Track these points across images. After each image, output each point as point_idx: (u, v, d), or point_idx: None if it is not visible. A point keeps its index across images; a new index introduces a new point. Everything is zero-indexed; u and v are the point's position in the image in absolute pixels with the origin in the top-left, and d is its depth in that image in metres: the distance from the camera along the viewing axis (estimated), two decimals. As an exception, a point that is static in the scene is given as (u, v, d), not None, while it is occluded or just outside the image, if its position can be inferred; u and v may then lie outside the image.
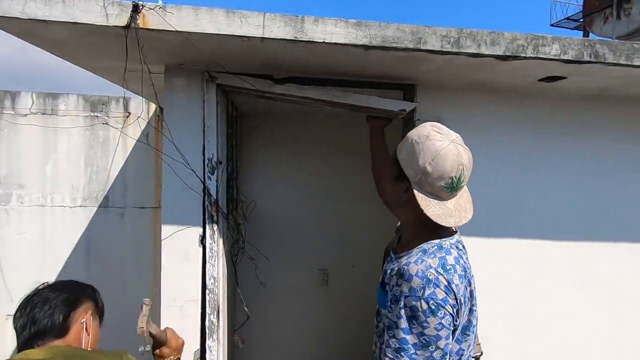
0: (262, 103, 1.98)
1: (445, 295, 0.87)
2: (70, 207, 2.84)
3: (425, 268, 0.88)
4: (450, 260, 0.91)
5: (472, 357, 1.04)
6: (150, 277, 2.77)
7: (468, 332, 0.95)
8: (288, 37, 1.24)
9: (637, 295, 1.89)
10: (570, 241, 1.84)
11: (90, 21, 1.16)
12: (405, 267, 0.90)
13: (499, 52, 1.33)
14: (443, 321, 0.87)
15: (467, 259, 0.98)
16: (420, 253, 0.92)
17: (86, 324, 1.01)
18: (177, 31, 1.19)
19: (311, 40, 1.25)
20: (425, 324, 0.86)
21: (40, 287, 1.02)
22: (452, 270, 0.90)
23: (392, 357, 0.89)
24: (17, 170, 2.77)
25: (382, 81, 1.77)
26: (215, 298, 1.69)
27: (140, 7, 1.15)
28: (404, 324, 0.87)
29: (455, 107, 1.82)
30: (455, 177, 0.90)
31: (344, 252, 2.70)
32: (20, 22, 1.16)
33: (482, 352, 1.19)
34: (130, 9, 1.16)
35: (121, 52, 1.33)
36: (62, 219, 2.83)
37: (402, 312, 0.88)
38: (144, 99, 2.70)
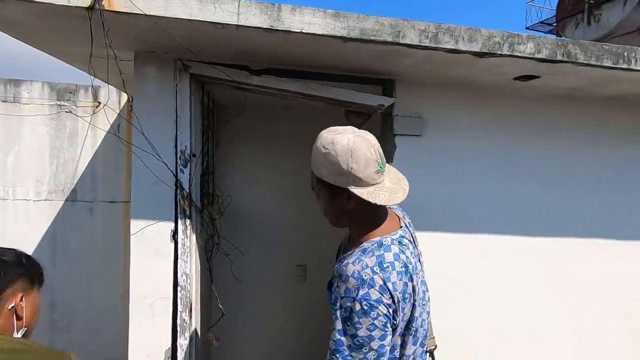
0: (239, 95, 1.92)
1: (380, 295, 0.86)
2: (35, 201, 2.69)
3: (361, 268, 0.88)
4: (389, 257, 0.91)
5: (424, 351, 1.04)
6: (121, 274, 2.67)
7: (411, 327, 0.95)
8: (264, 26, 1.19)
9: (597, 288, 1.97)
10: (539, 237, 1.89)
11: (51, 1, 1.08)
12: (344, 267, 0.90)
13: (476, 49, 1.33)
14: (376, 322, 0.86)
15: (411, 253, 0.96)
16: (360, 252, 0.92)
17: (16, 309, 0.87)
18: (146, 15, 1.13)
19: (288, 29, 1.21)
20: (357, 325, 0.86)
21: None
22: (390, 268, 0.89)
23: (328, 358, 0.89)
24: (-25, 161, 2.60)
25: (361, 75, 1.75)
26: (188, 295, 1.65)
27: (105, -13, 1.08)
28: (339, 325, 0.88)
29: (433, 104, 1.83)
30: (377, 157, 0.92)
31: (322, 247, 2.69)
32: (-29, -1, 1.07)
33: (436, 346, 1.19)
34: (94, -11, 1.08)
35: (86, 36, 1.25)
36: (25, 214, 2.68)
37: (339, 313, 0.88)
38: (115, 88, 2.58)
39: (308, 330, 2.66)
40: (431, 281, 1.83)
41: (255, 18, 1.19)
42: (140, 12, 1.13)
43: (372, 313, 0.85)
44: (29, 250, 2.87)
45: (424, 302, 0.99)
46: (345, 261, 0.92)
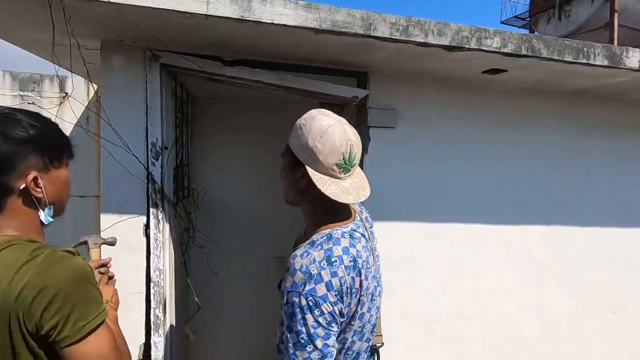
0: (213, 87, 1.89)
1: (326, 292, 0.84)
2: (-2, 197, 2.57)
3: (309, 262, 0.86)
4: (337, 251, 0.88)
5: (369, 346, 1.02)
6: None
7: (353, 322, 0.92)
8: (234, 16, 1.18)
9: (560, 271, 2.08)
10: (505, 225, 1.98)
11: (4, -16, 1.03)
12: (292, 260, 0.88)
13: (445, 43, 1.36)
14: (320, 319, 0.84)
15: (363, 247, 0.94)
16: (308, 246, 0.90)
17: (32, 189, 0.73)
18: (109, 2, 1.09)
19: (259, 20, 1.20)
20: (301, 322, 0.84)
21: None
22: (338, 262, 0.87)
23: (279, 351, 0.89)
24: None
25: (336, 68, 1.75)
26: (162, 291, 1.62)
27: (65, -28, 1.03)
28: (286, 320, 0.86)
29: (406, 95, 1.86)
30: (346, 152, 0.90)
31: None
32: None
33: (382, 343, 1.15)
34: (52, -27, 1.03)
35: (47, 23, 1.20)
36: (-12, 210, 2.56)
37: (285, 308, 0.86)
38: (84, 79, 2.48)
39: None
40: (401, 268, 1.89)
41: (225, 8, 1.17)
42: (105, -1, 1.09)
43: (317, 310, 0.83)
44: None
45: (373, 298, 0.97)
46: (294, 254, 0.89)
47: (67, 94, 2.61)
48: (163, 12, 1.15)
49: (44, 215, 0.80)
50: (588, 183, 2.09)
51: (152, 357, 1.58)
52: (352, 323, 0.92)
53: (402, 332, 1.88)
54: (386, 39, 1.32)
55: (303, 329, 0.84)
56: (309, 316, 0.83)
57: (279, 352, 1.01)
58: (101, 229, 1.60)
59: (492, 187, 1.97)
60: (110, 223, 1.58)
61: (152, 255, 1.59)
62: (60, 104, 2.58)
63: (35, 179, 0.75)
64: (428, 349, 1.93)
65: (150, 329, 1.58)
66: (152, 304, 1.58)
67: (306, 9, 1.23)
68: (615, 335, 2.17)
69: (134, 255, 1.60)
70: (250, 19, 1.19)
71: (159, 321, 1.60)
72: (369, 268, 0.94)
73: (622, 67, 1.55)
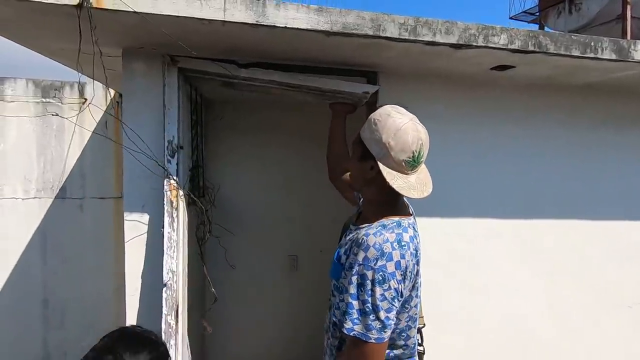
0: (227, 90, 1.96)
1: (395, 270, 0.92)
2: (23, 199, 2.68)
3: (382, 241, 0.94)
4: (406, 237, 0.97)
5: (414, 328, 1.11)
6: (112, 269, 2.70)
7: (407, 306, 1.02)
8: (249, 21, 1.24)
9: (573, 265, 2.09)
10: (517, 219, 2.00)
11: (38, -2, 1.10)
12: (365, 237, 0.95)
13: (453, 41, 1.40)
14: (386, 294, 0.92)
15: (419, 240, 1.04)
16: (380, 227, 0.97)
17: None
18: (135, 12, 1.16)
19: (273, 24, 1.25)
20: (370, 292, 0.91)
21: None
22: (406, 247, 0.96)
23: (339, 318, 0.96)
24: (-40, 160, 2.58)
25: (346, 68, 1.80)
26: (174, 295, 1.49)
27: (94, -15, 1.11)
28: (353, 289, 0.93)
29: (415, 93, 1.90)
30: (416, 150, 0.97)
31: (312, 238, 2.76)
32: (-42, -3, 1.09)
33: (424, 325, 1.28)
34: (82, -14, 1.11)
35: (73, 33, 1.27)
36: (14, 212, 2.67)
37: (354, 278, 0.93)
38: (102, 85, 2.57)
39: (299, 317, 2.74)
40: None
41: (241, 14, 1.23)
42: (129, 9, 1.16)
43: (385, 285, 0.91)
44: (19, 247, 2.87)
45: (418, 285, 1.06)
46: (365, 231, 0.97)
47: (86, 99, 2.71)
48: (183, 20, 1.22)
49: None
50: (601, 176, 2.09)
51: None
52: (407, 308, 1.01)
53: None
54: (395, 39, 1.36)
55: (369, 299, 0.91)
56: (377, 289, 0.91)
57: (328, 332, 1.08)
58: (125, 229, 1.67)
59: (503, 181, 1.99)
60: (131, 220, 1.65)
61: (165, 256, 1.50)
62: (80, 109, 2.68)
63: None
64: (440, 344, 1.96)
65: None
66: (164, 310, 1.45)
67: (318, 13, 1.28)
68: (630, 329, 2.17)
69: (153, 254, 1.65)
70: (265, 24, 1.25)
71: (170, 330, 1.46)
72: (420, 258, 1.03)
73: (630, 60, 1.57)
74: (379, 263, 0.92)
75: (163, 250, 1.51)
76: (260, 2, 1.24)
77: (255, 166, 2.73)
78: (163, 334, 1.44)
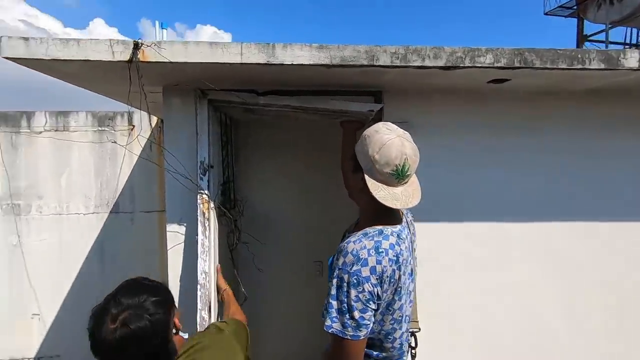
0: (249, 114, 2.23)
1: (369, 274, 1.00)
2: (84, 215, 3.13)
3: (360, 248, 1.03)
4: (385, 244, 1.04)
5: (408, 331, 1.19)
6: (158, 274, 3.05)
7: (390, 308, 1.08)
8: (262, 62, 1.49)
9: (590, 269, 2.12)
10: (531, 222, 2.08)
11: (99, 58, 1.43)
12: (346, 244, 1.06)
13: (441, 64, 1.57)
14: (360, 296, 1.00)
15: (405, 248, 1.09)
16: (361, 235, 1.06)
17: (178, 327, 0.95)
18: (171, 62, 1.45)
19: (281, 63, 1.50)
20: (345, 294, 1.01)
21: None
22: (384, 254, 1.02)
23: (323, 315, 1.08)
24: (35, 183, 3.07)
25: (352, 90, 2.02)
26: (207, 293, 1.73)
27: (140, 45, 1.41)
28: (333, 290, 1.04)
29: (419, 108, 2.06)
30: (399, 164, 1.04)
31: (333, 245, 2.94)
32: (43, 62, 1.43)
33: (419, 329, 1.32)
34: (132, 46, 1.42)
35: (125, 79, 1.60)
36: (77, 226, 3.12)
37: (334, 281, 1.04)
38: (146, 113, 2.97)
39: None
40: (424, 267, 2.05)
41: (254, 56, 1.49)
42: (167, 60, 1.45)
43: (359, 287, 1.00)
44: (82, 256, 3.31)
45: (408, 291, 1.13)
46: (348, 239, 1.08)
47: (134, 126, 3.13)
48: (210, 64, 1.50)
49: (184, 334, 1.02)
50: (607, 179, 2.12)
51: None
52: (391, 311, 1.08)
53: (429, 330, 2.03)
54: (388, 66, 1.56)
55: (345, 300, 1.01)
56: (352, 291, 1.00)
57: (322, 317, 1.22)
58: (167, 238, 1.97)
59: (510, 187, 2.08)
60: (172, 230, 1.95)
61: (199, 259, 1.75)
62: (129, 134, 3.10)
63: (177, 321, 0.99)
64: (454, 347, 2.07)
65: (197, 330, 1.71)
66: (199, 305, 1.69)
67: (319, 50, 1.51)
68: (653, 330, 2.14)
69: (195, 259, 1.93)
70: (275, 63, 1.50)
71: (204, 322, 1.69)
72: (407, 266, 1.10)
73: (620, 68, 1.65)
74: (354, 268, 1.01)
75: (197, 254, 1.76)
76: (270, 45, 1.49)
77: (280, 179, 2.98)
78: (198, 327, 1.66)
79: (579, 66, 1.62)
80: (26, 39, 1.40)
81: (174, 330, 0.94)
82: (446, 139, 2.07)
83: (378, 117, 2.05)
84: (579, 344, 2.11)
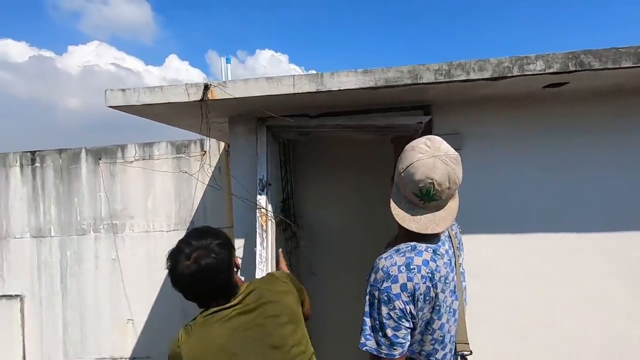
0: (304, 136, 2.41)
1: (400, 291, 0.96)
2: (166, 232, 3.56)
3: (390, 264, 0.99)
4: (417, 261, 0.99)
5: (454, 353, 1.09)
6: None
7: (429, 328, 1.02)
8: (312, 90, 1.65)
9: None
10: (594, 232, 1.92)
11: (178, 100, 1.70)
12: (377, 260, 1.03)
13: (487, 76, 1.57)
14: (391, 313, 0.96)
15: (444, 264, 1.03)
16: (393, 251, 1.02)
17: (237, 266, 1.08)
18: (235, 98, 1.67)
19: (329, 89, 1.64)
20: (377, 311, 0.98)
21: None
22: (416, 270, 0.98)
23: (360, 333, 1.04)
24: (128, 205, 3.58)
25: (400, 106, 2.08)
26: None
27: (209, 86, 1.66)
28: (366, 307, 1.01)
29: (469, 119, 2.05)
30: (423, 187, 0.97)
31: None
32: (135, 107, 1.75)
33: (471, 352, 1.16)
34: (202, 88, 1.67)
35: (198, 114, 1.87)
36: (161, 241, 3.55)
37: (367, 298, 1.01)
38: (215, 140, 3.32)
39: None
40: (481, 279, 1.98)
41: (305, 86, 1.65)
42: (232, 97, 1.68)
43: (390, 304, 0.96)
44: (165, 270, 3.73)
45: (450, 310, 1.04)
46: (380, 256, 1.04)
47: (205, 152, 3.51)
48: (267, 97, 1.69)
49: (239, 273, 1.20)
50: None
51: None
52: (430, 331, 1.02)
53: (492, 344, 1.96)
54: (432, 83, 1.61)
55: (377, 317, 0.98)
56: (383, 308, 0.97)
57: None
58: (235, 249, 2.19)
59: (568, 197, 1.95)
60: (241, 244, 2.17)
61: (257, 269, 1.90)
62: (202, 159, 3.48)
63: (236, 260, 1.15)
64: None
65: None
66: None
67: (364, 74, 1.62)
68: None
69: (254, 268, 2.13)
70: (323, 90, 1.64)
71: None
72: (447, 283, 1.03)
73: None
74: (385, 284, 0.98)
75: (255, 264, 1.93)
76: (319, 75, 1.64)
77: (336, 194, 3.10)
78: None
79: (647, 63, 1.51)
80: (123, 90, 1.73)
81: (235, 269, 1.09)
82: (503, 147, 2.02)
83: (428, 130, 2.08)
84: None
